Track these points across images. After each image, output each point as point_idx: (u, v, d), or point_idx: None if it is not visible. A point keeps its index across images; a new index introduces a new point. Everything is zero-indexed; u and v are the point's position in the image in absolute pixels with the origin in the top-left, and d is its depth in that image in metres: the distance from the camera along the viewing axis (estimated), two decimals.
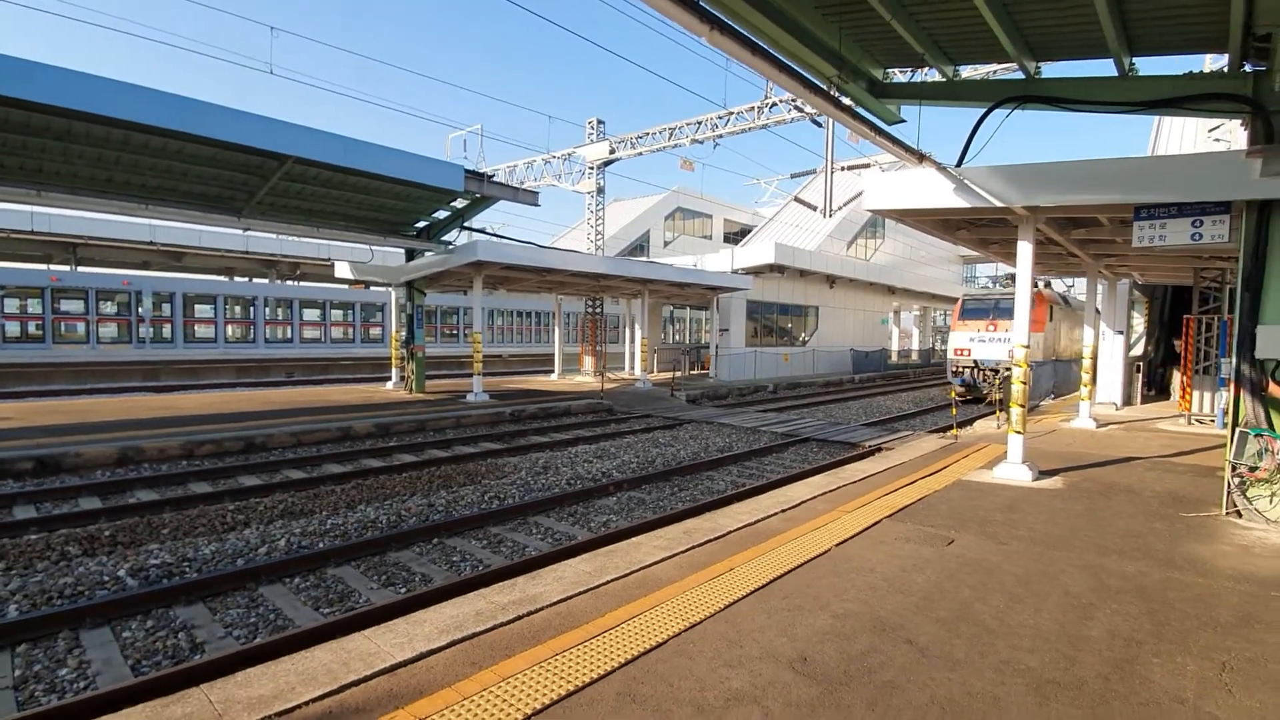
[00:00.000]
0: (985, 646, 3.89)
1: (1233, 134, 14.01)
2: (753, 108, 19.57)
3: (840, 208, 20.96)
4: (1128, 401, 17.36)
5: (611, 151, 24.96)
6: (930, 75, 8.51)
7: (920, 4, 6.47)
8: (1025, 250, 8.12)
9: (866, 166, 22.58)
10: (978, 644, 3.92)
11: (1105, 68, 7.36)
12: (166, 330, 25.04)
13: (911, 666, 3.64)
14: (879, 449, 12.14)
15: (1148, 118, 21.02)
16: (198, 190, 14.06)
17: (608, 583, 4.79)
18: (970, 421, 14.43)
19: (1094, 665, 3.69)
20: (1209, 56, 13.07)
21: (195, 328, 25.87)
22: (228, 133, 11.44)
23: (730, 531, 6.00)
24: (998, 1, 6.08)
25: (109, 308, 24.09)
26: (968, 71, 8.18)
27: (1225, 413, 12.88)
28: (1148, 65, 7.46)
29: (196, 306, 25.96)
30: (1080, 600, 4.62)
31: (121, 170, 12.84)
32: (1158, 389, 20.75)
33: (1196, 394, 13.70)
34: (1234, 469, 6.76)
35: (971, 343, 21.06)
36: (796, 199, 23.75)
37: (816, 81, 6.45)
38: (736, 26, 5.06)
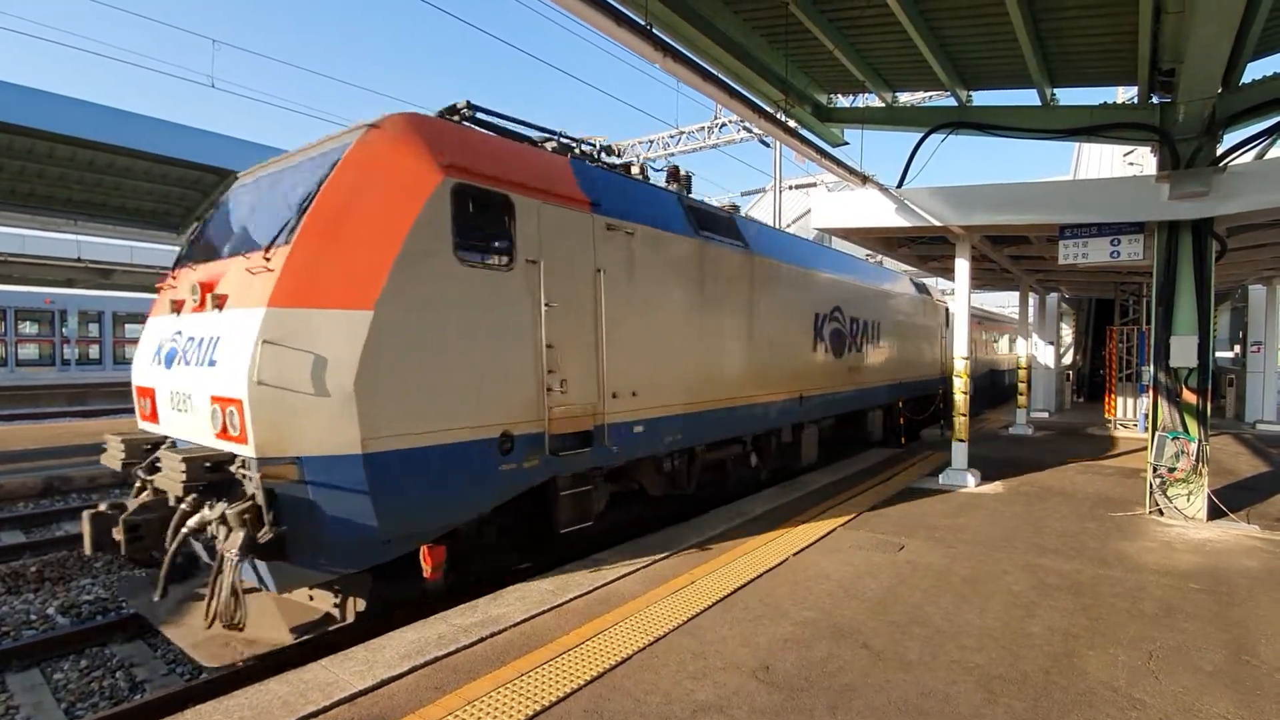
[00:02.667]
0: (936, 647, 4.06)
1: (1144, 159, 15.08)
2: (703, 127, 20.03)
3: (789, 225, 21.49)
4: (1060, 408, 18.32)
5: None
6: (870, 100, 8.94)
7: (860, 34, 6.82)
8: (963, 267, 8.56)
9: (813, 185, 23.30)
10: (929, 645, 4.08)
11: (1030, 97, 7.90)
12: (95, 351, 23.73)
13: (869, 669, 3.77)
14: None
15: (1071, 143, 22.42)
16: (132, 205, 13.48)
17: (570, 600, 4.80)
18: (916, 433, 14.92)
19: (1036, 660, 3.90)
20: (1120, 89, 14.12)
21: (126, 348, 24.60)
22: (169, 147, 11.05)
23: (691, 544, 6.07)
24: (931, 33, 6.46)
25: (30, 328, 22.71)
26: (905, 97, 8.62)
27: (1147, 417, 13.80)
28: (1067, 96, 8.04)
29: (128, 326, 24.70)
30: (1022, 599, 4.86)
31: (45, 184, 12.21)
32: (1087, 396, 21.95)
33: (1120, 400, 14.58)
34: (1155, 470, 7.24)
35: (157, 365, 5.12)
36: (746, 217, 24.42)
37: (764, 106, 6.71)
38: (688, 53, 5.25)
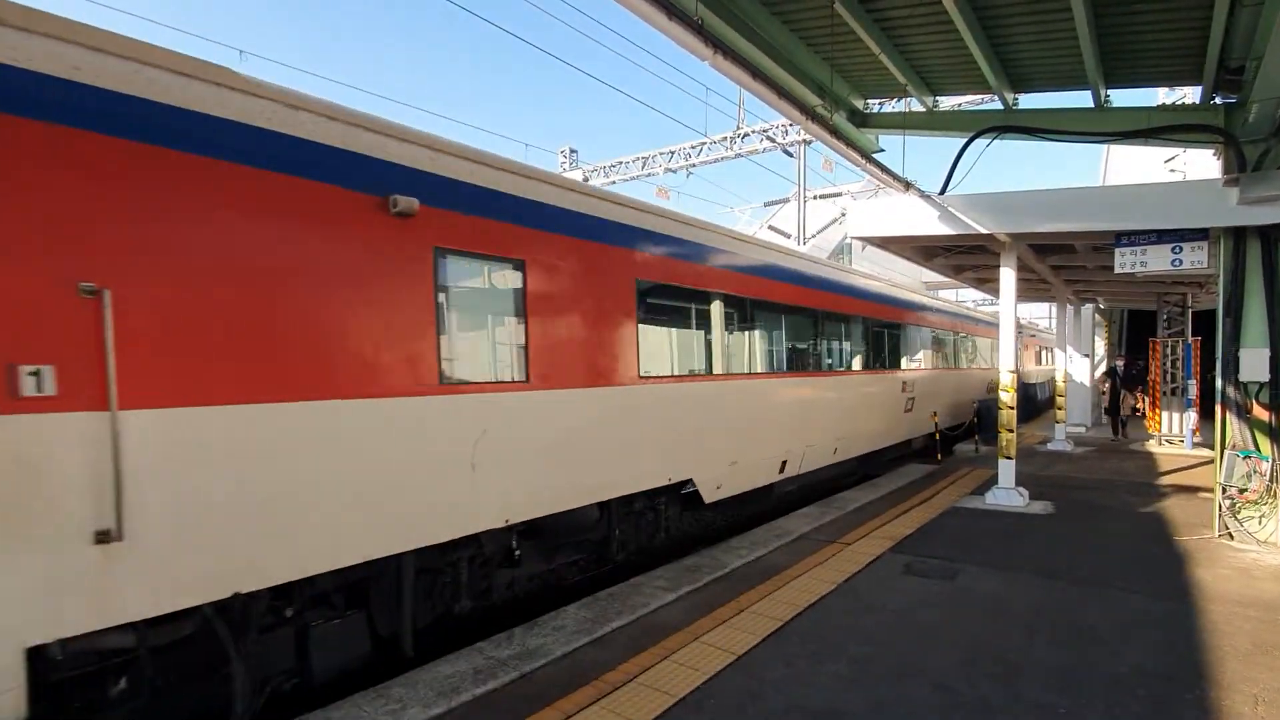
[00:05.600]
0: (1016, 689, 3.71)
1: (1187, 164, 14.61)
2: (725, 138, 19.86)
3: (814, 235, 21.16)
4: (1097, 422, 17.73)
5: (585, 180, 25.00)
6: (899, 105, 8.66)
7: (906, 35, 6.55)
8: (1008, 276, 8.20)
9: (839, 195, 22.96)
10: (1008, 686, 3.74)
11: (1077, 99, 7.59)
12: None
13: (947, 713, 3.43)
14: (867, 477, 12.06)
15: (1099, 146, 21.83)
16: None
17: (612, 631, 4.51)
18: (951, 448, 14.42)
19: (1132, 706, 3.53)
20: (1162, 90, 13.71)
21: None
22: None
23: (734, 569, 5.77)
24: (984, 33, 6.18)
25: None
26: (946, 102, 8.34)
27: (1195, 433, 13.26)
28: (1116, 98, 7.71)
29: None
30: (1098, 633, 4.49)
31: None
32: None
33: (1165, 415, 14.03)
34: (1224, 491, 6.81)
35: None
36: (770, 227, 24.15)
37: (812, 106, 6.47)
38: (739, 51, 5.03)
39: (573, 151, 24.56)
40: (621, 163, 23.46)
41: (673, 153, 21.54)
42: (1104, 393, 15.83)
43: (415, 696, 3.65)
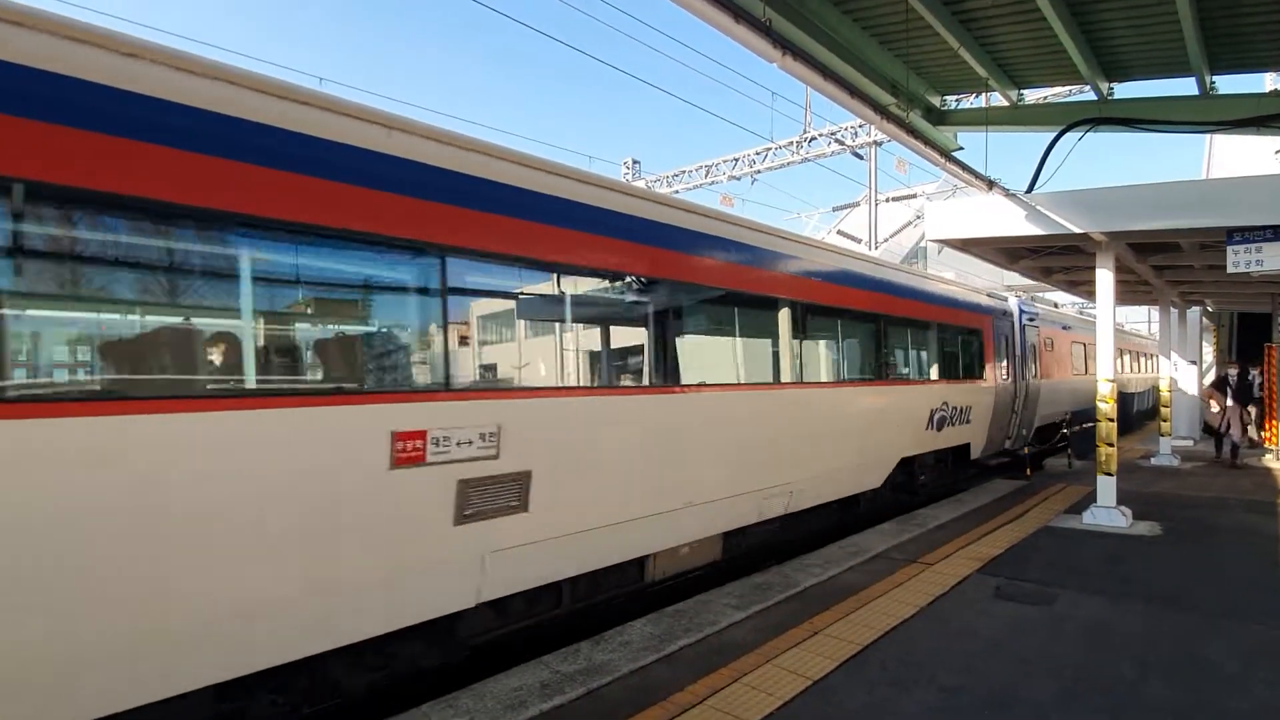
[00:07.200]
0: None
1: None
2: (791, 143, 19.51)
3: (887, 239, 20.39)
4: (1204, 436, 16.27)
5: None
6: (979, 101, 8.22)
7: (987, 26, 6.22)
8: (1105, 279, 7.61)
9: (913, 196, 22.11)
10: None
11: (1178, 86, 7.01)
12: None
13: None
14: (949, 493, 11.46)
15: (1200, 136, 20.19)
16: None
17: (680, 650, 4.40)
18: (1040, 463, 13.51)
19: None
20: (1269, 75, 12.51)
21: None
22: None
23: (806, 587, 5.54)
24: (1073, 19, 5.79)
25: None
26: (1031, 95, 7.87)
27: None
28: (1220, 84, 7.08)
29: None
30: (1220, 669, 4.04)
31: None
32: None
33: None
34: None
35: None
36: (839, 232, 23.54)
37: (885, 105, 6.23)
38: (808, 52, 4.90)
39: (635, 162, 24.71)
40: (684, 171, 23.44)
41: (736, 159, 21.35)
42: (1213, 408, 12.55)
43: (482, 709, 3.64)
